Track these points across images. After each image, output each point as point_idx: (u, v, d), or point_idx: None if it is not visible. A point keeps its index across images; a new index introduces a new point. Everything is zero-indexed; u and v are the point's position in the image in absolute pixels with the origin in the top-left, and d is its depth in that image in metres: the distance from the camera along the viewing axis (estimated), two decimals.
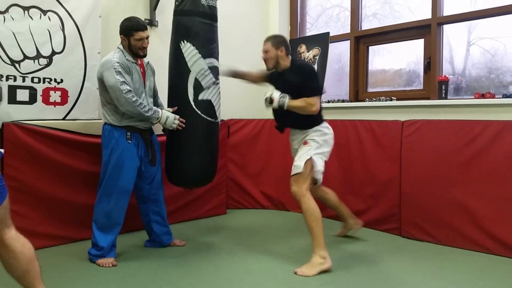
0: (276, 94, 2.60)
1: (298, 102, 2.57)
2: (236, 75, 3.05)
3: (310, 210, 2.51)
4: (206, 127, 2.74)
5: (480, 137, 2.82)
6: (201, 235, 3.21)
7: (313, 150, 2.61)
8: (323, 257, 2.46)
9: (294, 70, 2.68)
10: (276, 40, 2.71)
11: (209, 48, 2.72)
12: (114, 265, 2.53)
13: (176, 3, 2.66)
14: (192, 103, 2.66)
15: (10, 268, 1.57)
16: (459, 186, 2.90)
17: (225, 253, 2.81)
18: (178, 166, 2.74)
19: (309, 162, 2.58)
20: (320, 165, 2.61)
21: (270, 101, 2.62)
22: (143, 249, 2.87)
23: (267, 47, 2.71)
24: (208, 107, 2.73)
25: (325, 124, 2.73)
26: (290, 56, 2.76)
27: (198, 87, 2.67)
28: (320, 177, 2.62)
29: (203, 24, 2.69)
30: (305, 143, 2.66)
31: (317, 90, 2.64)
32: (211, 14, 2.73)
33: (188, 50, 2.65)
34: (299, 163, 2.58)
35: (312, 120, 2.67)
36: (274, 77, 2.80)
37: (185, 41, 2.64)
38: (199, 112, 2.68)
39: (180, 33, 2.68)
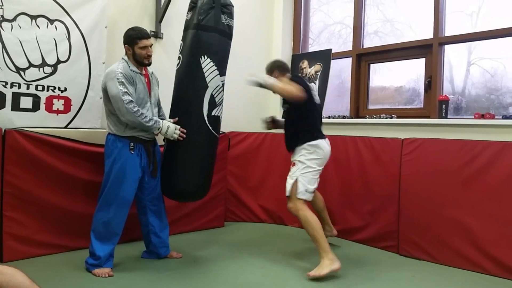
0: (261, 74, 2.70)
1: (282, 83, 2.67)
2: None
3: (308, 221, 2.67)
4: (214, 142, 2.81)
5: (479, 157, 2.84)
6: (198, 247, 3.20)
7: (299, 171, 2.73)
8: (330, 259, 2.59)
9: None
10: (267, 68, 2.94)
11: (224, 66, 2.78)
12: (111, 275, 2.52)
13: (200, 17, 2.65)
14: (206, 118, 2.69)
15: None
16: (458, 205, 2.90)
17: (222, 266, 2.80)
18: (182, 180, 2.72)
19: (295, 183, 2.71)
20: (303, 187, 2.71)
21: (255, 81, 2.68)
22: (140, 260, 2.85)
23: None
24: (217, 123, 2.78)
25: (316, 141, 2.77)
26: (288, 74, 2.90)
27: (213, 103, 2.71)
28: (304, 197, 2.71)
29: (222, 42, 2.74)
30: (293, 164, 2.79)
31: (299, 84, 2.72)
32: (229, 33, 2.77)
33: (208, 65, 2.67)
34: (287, 186, 2.75)
35: (302, 139, 2.77)
36: None
37: (206, 56, 2.66)
38: (210, 128, 2.72)
39: (201, 48, 2.66)
